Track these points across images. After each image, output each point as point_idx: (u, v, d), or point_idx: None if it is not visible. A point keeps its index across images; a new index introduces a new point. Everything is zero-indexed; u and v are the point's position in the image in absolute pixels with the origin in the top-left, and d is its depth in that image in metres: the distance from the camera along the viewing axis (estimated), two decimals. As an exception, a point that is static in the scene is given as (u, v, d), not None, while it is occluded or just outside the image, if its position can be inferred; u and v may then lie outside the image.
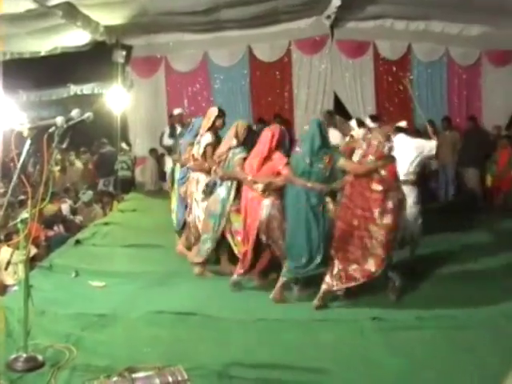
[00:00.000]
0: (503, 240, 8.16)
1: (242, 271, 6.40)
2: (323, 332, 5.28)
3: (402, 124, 9.01)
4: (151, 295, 6.26)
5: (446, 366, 4.61)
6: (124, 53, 13.06)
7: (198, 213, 6.93)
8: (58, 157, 13.17)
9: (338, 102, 14.03)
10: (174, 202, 8.19)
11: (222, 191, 6.62)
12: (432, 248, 7.61)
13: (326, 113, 11.42)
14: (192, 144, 7.21)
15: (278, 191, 6.09)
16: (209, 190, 6.73)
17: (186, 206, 7.39)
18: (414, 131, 12.35)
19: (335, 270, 5.77)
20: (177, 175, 8.02)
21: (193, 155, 7.06)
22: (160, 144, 11.98)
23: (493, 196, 11.53)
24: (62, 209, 10.90)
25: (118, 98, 12.07)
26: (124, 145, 13.75)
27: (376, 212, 5.59)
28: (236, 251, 6.62)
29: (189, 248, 7.33)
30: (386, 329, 5.32)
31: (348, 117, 11.44)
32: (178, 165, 8.05)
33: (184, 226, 7.62)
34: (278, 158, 6.11)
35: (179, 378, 3.37)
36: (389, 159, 5.69)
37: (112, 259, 7.77)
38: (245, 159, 6.38)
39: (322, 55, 14.02)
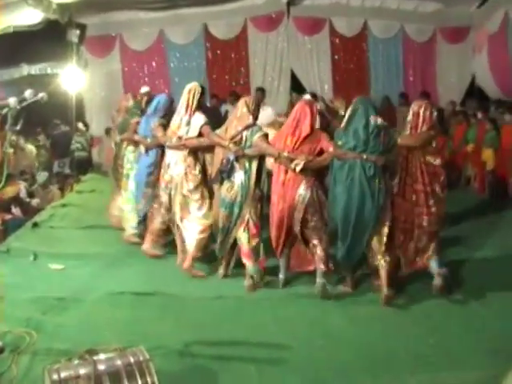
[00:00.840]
0: (459, 213, 8.31)
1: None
2: (283, 308, 5.37)
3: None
4: (110, 276, 6.24)
5: (403, 337, 4.74)
6: (78, 32, 12.80)
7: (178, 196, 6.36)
8: (13, 138, 12.91)
9: (294, 79, 14.06)
10: (127, 194, 7.51)
11: (239, 176, 5.80)
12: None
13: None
14: (163, 124, 6.71)
15: (316, 171, 5.64)
16: (224, 176, 5.85)
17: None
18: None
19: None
20: (130, 158, 7.52)
21: (179, 137, 6.31)
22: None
23: (448, 171, 11.71)
24: (19, 191, 10.71)
25: (73, 78, 11.87)
26: (80, 125, 13.54)
27: (437, 186, 5.59)
28: (247, 247, 5.89)
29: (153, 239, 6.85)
30: (345, 303, 5.45)
31: (304, 93, 11.45)
32: (130, 147, 7.56)
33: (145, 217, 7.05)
34: (320, 134, 5.68)
35: (141, 359, 3.38)
36: (439, 129, 5.68)
37: (70, 241, 7.70)
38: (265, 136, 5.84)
39: (279, 32, 13.99)
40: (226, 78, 14.19)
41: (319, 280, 5.59)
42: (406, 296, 5.59)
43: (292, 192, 5.58)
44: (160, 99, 7.17)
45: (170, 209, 6.45)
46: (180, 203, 6.32)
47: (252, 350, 4.53)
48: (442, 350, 4.49)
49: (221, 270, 6.18)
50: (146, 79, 13.99)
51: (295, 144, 5.58)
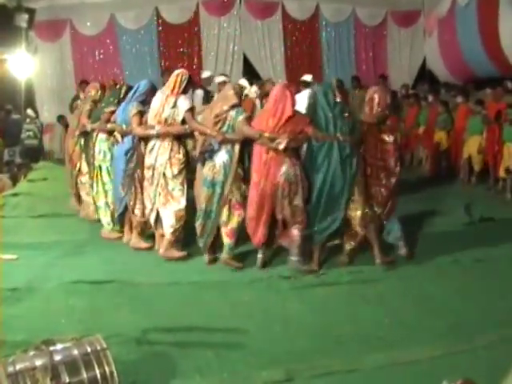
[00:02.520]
0: (410, 193, 8.46)
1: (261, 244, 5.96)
2: (240, 293, 5.40)
3: (308, 78, 9.19)
4: (66, 265, 6.15)
5: (359, 318, 4.81)
6: (26, 16, 12.49)
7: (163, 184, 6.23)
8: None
9: (247, 64, 14.04)
10: (104, 184, 7.21)
11: (222, 156, 5.84)
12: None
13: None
14: (140, 111, 6.48)
15: (296, 151, 5.79)
16: (206, 156, 5.90)
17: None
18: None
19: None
20: (103, 148, 7.20)
21: (165, 120, 6.15)
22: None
23: (401, 153, 11.91)
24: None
25: (22, 64, 11.61)
26: (30, 112, 13.25)
27: (391, 161, 6.05)
28: (230, 226, 5.98)
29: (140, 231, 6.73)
30: (300, 287, 5.51)
31: (258, 78, 11.47)
32: (102, 137, 7.20)
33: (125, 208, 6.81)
34: (301, 117, 5.84)
35: (98, 348, 3.35)
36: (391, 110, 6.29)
37: (23, 230, 7.57)
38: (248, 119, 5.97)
39: (231, 16, 13.96)
40: (178, 63, 14.06)
41: (294, 258, 5.84)
42: (359, 278, 5.70)
43: (275, 170, 5.69)
44: (140, 84, 6.81)
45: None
46: (161, 189, 6.20)
47: (209, 335, 4.54)
48: (398, 329, 4.57)
49: (207, 256, 6.16)
50: (98, 65, 13.78)
51: (276, 125, 5.69)
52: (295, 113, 5.77)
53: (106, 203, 7.16)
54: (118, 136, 6.83)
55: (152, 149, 6.24)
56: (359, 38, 14.57)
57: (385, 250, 6.07)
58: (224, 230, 6.00)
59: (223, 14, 13.91)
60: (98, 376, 3.24)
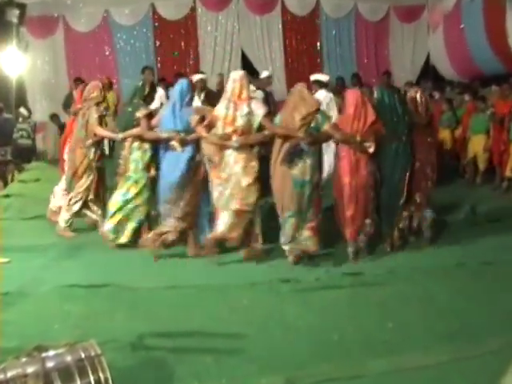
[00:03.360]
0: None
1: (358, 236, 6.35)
2: (239, 296, 5.38)
3: (323, 78, 9.00)
4: (60, 269, 6.16)
5: (362, 322, 4.79)
6: (17, 11, 12.47)
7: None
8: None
9: (245, 60, 14.04)
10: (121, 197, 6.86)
11: (310, 157, 6.11)
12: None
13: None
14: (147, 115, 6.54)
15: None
16: (295, 158, 6.07)
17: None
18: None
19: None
20: (135, 157, 6.78)
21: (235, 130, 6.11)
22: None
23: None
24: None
25: (13, 61, 11.58)
26: (23, 111, 13.21)
27: (434, 156, 6.82)
28: (313, 224, 6.26)
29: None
30: (301, 290, 5.50)
31: (256, 75, 11.45)
32: (135, 145, 6.77)
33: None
34: (377, 119, 6.32)
35: (92, 353, 3.33)
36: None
37: (15, 233, 7.53)
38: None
39: (229, 12, 13.97)
40: (174, 60, 14.07)
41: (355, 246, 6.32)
42: (361, 281, 5.70)
43: (364, 171, 6.23)
44: (182, 84, 6.57)
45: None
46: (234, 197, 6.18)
47: (208, 340, 4.52)
48: (402, 334, 4.55)
49: (292, 258, 6.26)
50: (92, 62, 13.77)
51: (362, 129, 6.17)
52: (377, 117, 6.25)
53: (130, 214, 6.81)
54: (176, 144, 6.36)
55: (227, 158, 6.18)
56: (361, 34, 14.57)
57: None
58: (309, 226, 6.23)
59: (221, 10, 13.91)
60: (93, 383, 3.22)
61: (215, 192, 6.22)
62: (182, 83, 6.62)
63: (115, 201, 6.82)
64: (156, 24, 13.90)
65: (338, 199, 6.34)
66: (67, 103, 13.10)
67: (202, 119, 6.26)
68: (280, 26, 14.18)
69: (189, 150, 6.33)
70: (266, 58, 14.14)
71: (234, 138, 6.12)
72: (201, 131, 6.20)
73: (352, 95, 6.45)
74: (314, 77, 8.82)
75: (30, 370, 3.17)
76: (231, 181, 6.14)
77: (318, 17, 14.31)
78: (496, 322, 4.70)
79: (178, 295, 5.41)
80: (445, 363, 4.07)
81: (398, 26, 14.56)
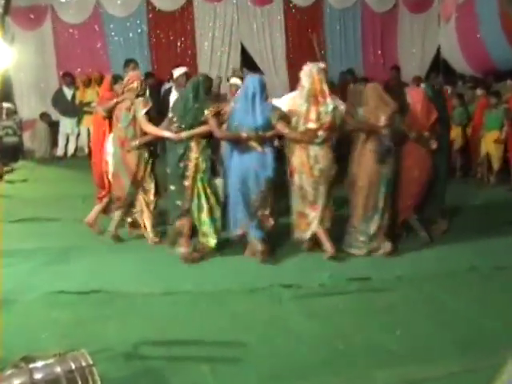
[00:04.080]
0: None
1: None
2: (238, 302, 5.39)
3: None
4: (50, 274, 6.14)
5: (368, 331, 4.79)
6: (2, 0, 12.45)
7: None
8: None
9: (244, 54, 14.04)
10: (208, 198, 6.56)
11: (392, 154, 6.57)
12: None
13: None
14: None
15: None
16: (385, 155, 6.45)
17: None
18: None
19: None
20: (204, 157, 6.45)
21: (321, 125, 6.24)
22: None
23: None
24: None
25: (-1, 54, 11.56)
26: (8, 106, 13.21)
27: None
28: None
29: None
30: (303, 296, 5.50)
31: (256, 69, 11.48)
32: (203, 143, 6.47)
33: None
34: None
35: (83, 364, 3.32)
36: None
37: (3, 236, 7.53)
38: None
39: (227, 3, 13.95)
40: (169, 53, 14.06)
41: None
42: (367, 287, 5.70)
43: (428, 163, 6.85)
44: (257, 79, 6.42)
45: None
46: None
47: (206, 348, 4.52)
48: (410, 343, 4.55)
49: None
50: (82, 55, 13.75)
51: (427, 125, 6.75)
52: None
53: (212, 218, 6.56)
54: (255, 144, 6.25)
55: (316, 157, 6.32)
56: (367, 26, 14.53)
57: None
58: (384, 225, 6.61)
59: (219, 0, 13.90)
60: (84, 395, 3.22)
61: (308, 188, 6.37)
62: (255, 77, 6.61)
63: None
64: (150, 15, 13.87)
65: (404, 190, 6.76)
66: (57, 99, 13.17)
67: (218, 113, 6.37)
68: (281, 18, 14.15)
69: (270, 148, 6.36)
70: (267, 52, 14.12)
71: (320, 133, 6.24)
72: (282, 128, 6.23)
73: (417, 93, 7.05)
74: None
75: (16, 382, 3.16)
76: (324, 176, 6.34)
77: (321, 8, 14.27)
78: (511, 330, 4.69)
79: (174, 302, 5.41)
80: (456, 375, 4.07)
81: (407, 16, 14.51)
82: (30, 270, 6.24)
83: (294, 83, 9.60)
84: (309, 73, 6.31)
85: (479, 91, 10.81)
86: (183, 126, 6.34)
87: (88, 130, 12.51)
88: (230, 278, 6.01)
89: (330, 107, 6.21)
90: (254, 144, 6.26)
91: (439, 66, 14.31)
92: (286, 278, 5.86)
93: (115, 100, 6.88)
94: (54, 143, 13.38)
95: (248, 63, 13.63)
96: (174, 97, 8.99)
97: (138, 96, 6.75)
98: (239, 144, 6.30)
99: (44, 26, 13.62)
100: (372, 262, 6.36)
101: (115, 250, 6.81)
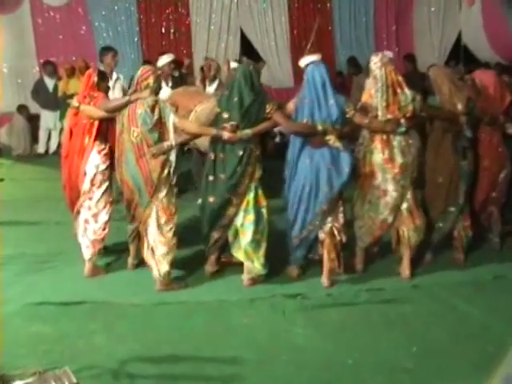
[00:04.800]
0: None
1: None
2: (237, 315, 5.39)
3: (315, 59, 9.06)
4: (28, 284, 6.13)
5: (381, 346, 4.80)
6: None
7: None
8: None
9: (245, 40, 14.07)
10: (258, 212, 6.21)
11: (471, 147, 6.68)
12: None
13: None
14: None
15: None
16: (466, 147, 6.51)
17: None
18: (336, 73, 12.55)
19: None
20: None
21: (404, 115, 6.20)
22: None
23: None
24: None
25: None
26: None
27: None
28: None
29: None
30: (310, 308, 5.50)
31: (258, 58, 11.50)
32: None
33: None
34: None
35: (66, 383, 3.34)
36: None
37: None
38: None
39: (225, -16, 13.98)
40: (162, 40, 14.08)
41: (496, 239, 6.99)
42: (380, 298, 5.71)
43: (499, 154, 6.84)
44: (325, 69, 6.28)
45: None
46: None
47: (201, 365, 4.52)
48: (428, 359, 4.55)
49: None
50: (65, 42, 13.78)
51: (501, 109, 6.78)
52: None
53: (258, 241, 6.15)
54: (336, 141, 6.05)
55: (396, 144, 6.28)
56: (380, 10, 14.57)
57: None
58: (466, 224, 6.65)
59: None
60: (67, 417, 3.23)
61: (390, 186, 6.22)
62: (319, 65, 6.35)
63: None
64: (140, -1, 13.93)
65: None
66: (37, 90, 13.17)
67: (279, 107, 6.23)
68: (285, 2, 14.17)
69: (346, 146, 6.18)
70: (269, 38, 14.16)
71: (402, 121, 6.20)
72: (361, 119, 6.15)
73: (489, 76, 7.01)
74: (307, 59, 8.70)
75: (-8, 402, 3.18)
76: (407, 171, 6.24)
77: (329, -10, 14.33)
78: (538, 345, 4.70)
79: (167, 313, 5.42)
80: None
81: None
82: (7, 280, 6.21)
83: (298, 73, 9.64)
84: (379, 64, 6.27)
85: (504, 77, 10.76)
86: (243, 125, 6.04)
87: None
88: (228, 287, 6.00)
89: (410, 97, 6.20)
90: (331, 139, 6.06)
91: (459, 54, 14.30)
92: (290, 288, 5.88)
93: (128, 98, 6.31)
94: (34, 139, 13.39)
95: (249, 50, 13.63)
96: (165, 90, 8.84)
97: (156, 94, 6.31)
98: (311, 141, 6.12)
99: (22, 8, 13.62)
100: (386, 269, 6.34)
101: (102, 257, 6.80)
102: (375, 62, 6.28)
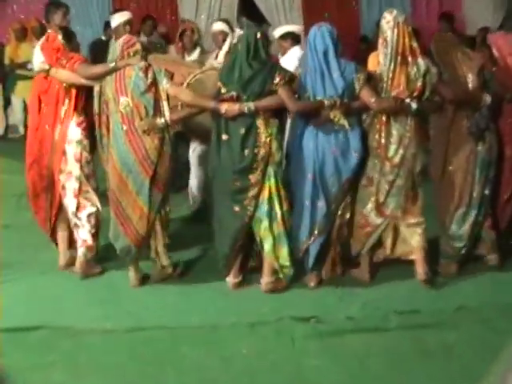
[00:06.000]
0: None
1: None
2: (234, 342, 5.40)
3: (296, 29, 9.13)
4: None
5: (412, 380, 4.83)
6: None
7: None
8: None
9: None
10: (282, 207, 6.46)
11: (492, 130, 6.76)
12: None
13: None
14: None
15: None
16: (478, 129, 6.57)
17: None
18: (361, 38, 12.57)
19: None
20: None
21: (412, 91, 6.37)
22: None
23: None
24: None
25: None
26: None
27: None
28: None
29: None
30: (326, 334, 5.51)
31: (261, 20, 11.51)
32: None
33: None
34: None
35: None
36: None
37: None
38: None
39: None
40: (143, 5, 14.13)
41: None
42: (414, 323, 5.72)
43: None
44: (328, 32, 6.36)
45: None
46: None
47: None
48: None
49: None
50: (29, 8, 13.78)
51: None
52: None
53: (286, 233, 6.42)
54: (338, 116, 6.24)
55: (395, 132, 6.39)
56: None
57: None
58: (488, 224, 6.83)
59: None
60: None
61: (384, 186, 6.38)
62: (323, 27, 6.42)
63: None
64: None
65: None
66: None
67: None
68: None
69: (357, 125, 6.33)
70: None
71: (408, 102, 6.27)
72: (368, 97, 6.21)
73: (506, 42, 6.86)
74: (283, 29, 8.77)
75: None
76: (405, 165, 6.35)
77: None
78: None
79: (146, 341, 5.42)
80: None
81: None
82: None
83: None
84: (393, 24, 6.31)
85: None
86: (244, 98, 6.15)
87: (23, 101, 12.56)
88: (224, 307, 6.02)
89: (422, 68, 6.26)
90: (337, 117, 6.19)
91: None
92: (301, 309, 5.89)
93: (114, 64, 6.48)
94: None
95: (248, 11, 13.63)
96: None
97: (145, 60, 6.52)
98: (315, 120, 6.23)
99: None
100: (422, 287, 6.35)
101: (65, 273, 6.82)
102: (388, 20, 6.32)
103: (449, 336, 5.47)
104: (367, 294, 6.22)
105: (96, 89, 6.56)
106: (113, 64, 6.44)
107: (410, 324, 5.67)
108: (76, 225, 6.68)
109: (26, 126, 11.70)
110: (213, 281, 6.48)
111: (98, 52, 9.14)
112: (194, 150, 8.19)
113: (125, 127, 6.26)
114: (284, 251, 6.27)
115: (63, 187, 6.65)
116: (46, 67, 6.62)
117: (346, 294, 6.26)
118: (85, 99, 6.70)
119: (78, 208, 6.62)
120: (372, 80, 6.26)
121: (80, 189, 6.62)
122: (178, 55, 9.12)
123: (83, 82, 6.58)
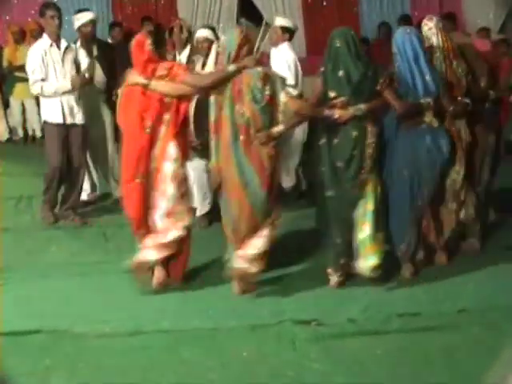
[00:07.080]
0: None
1: None
2: (233, 346, 5.40)
3: (289, 24, 9.09)
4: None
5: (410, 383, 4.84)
6: None
7: None
8: None
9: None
10: None
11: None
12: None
13: None
14: None
15: None
16: None
17: None
18: (361, 40, 12.52)
19: None
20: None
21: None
22: None
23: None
24: None
25: None
26: None
27: None
28: None
29: None
30: (327, 337, 5.51)
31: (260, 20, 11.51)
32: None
33: None
34: None
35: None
36: None
37: None
38: None
39: None
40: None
41: None
42: (417, 325, 5.72)
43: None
44: (416, 36, 6.52)
45: None
46: None
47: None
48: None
49: None
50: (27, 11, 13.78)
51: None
52: None
53: (377, 233, 6.52)
54: (429, 116, 6.51)
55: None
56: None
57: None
58: None
59: None
60: None
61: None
62: (410, 32, 6.57)
63: None
64: None
65: None
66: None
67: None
68: None
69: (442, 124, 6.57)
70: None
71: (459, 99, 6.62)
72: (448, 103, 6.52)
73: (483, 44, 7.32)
74: (287, 22, 8.83)
75: None
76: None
77: None
78: None
79: (144, 346, 5.41)
80: None
81: None
82: None
83: (312, 41, 9.67)
84: (435, 30, 6.60)
85: None
86: (353, 102, 6.20)
87: (22, 103, 12.58)
88: (224, 310, 6.02)
89: (464, 66, 6.53)
90: (429, 117, 6.45)
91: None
92: (302, 312, 5.89)
93: (232, 67, 6.16)
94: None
95: (247, 13, 13.62)
96: (83, 57, 8.79)
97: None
98: (407, 121, 6.45)
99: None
100: (424, 289, 6.37)
101: (63, 273, 6.82)
102: (430, 27, 6.51)
103: (450, 338, 5.47)
104: (368, 297, 6.22)
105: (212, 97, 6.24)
106: (231, 67, 6.14)
107: (411, 327, 5.68)
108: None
109: (24, 129, 11.78)
110: (213, 284, 6.47)
111: (105, 56, 9.08)
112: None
113: (243, 139, 6.10)
114: (377, 250, 6.38)
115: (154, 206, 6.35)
116: (145, 82, 6.22)
117: (347, 296, 6.27)
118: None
119: (165, 229, 6.32)
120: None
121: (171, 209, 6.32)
122: (171, 53, 9.11)
123: (193, 91, 6.33)
